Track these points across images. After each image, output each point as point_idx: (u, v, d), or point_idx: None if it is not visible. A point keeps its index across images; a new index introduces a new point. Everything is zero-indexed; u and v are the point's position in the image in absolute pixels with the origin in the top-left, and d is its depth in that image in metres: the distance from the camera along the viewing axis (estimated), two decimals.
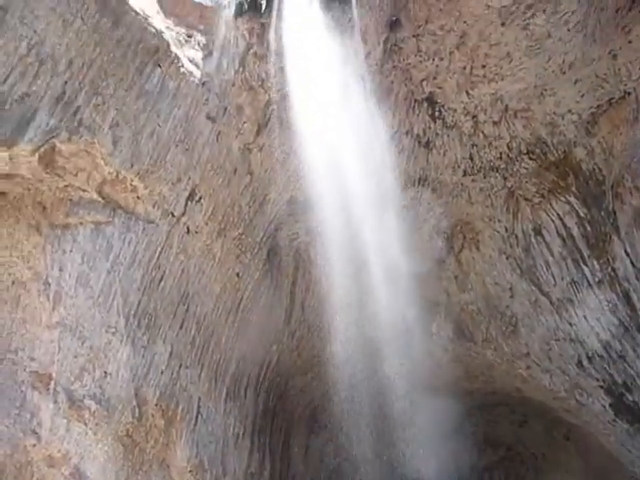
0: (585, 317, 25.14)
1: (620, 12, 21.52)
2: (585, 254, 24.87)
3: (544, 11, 21.33)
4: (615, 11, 21.48)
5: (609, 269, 24.33)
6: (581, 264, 25.02)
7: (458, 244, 27.73)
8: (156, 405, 19.72)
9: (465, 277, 28.16)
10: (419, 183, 26.32)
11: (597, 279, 24.67)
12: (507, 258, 27.02)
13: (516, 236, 26.53)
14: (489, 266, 27.50)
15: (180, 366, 21.27)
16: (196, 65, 20.85)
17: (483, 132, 25.37)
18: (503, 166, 25.85)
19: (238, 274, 23.96)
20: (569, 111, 23.83)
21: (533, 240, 26.14)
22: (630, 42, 21.92)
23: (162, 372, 20.27)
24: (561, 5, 21.06)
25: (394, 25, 23.29)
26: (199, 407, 21.99)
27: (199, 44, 21.41)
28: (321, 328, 26.83)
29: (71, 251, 17.94)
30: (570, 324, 25.66)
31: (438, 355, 28.87)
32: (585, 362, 25.54)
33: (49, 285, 17.54)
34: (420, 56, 23.70)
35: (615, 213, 23.94)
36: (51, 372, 16.98)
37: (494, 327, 28.05)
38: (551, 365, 26.88)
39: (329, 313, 25.64)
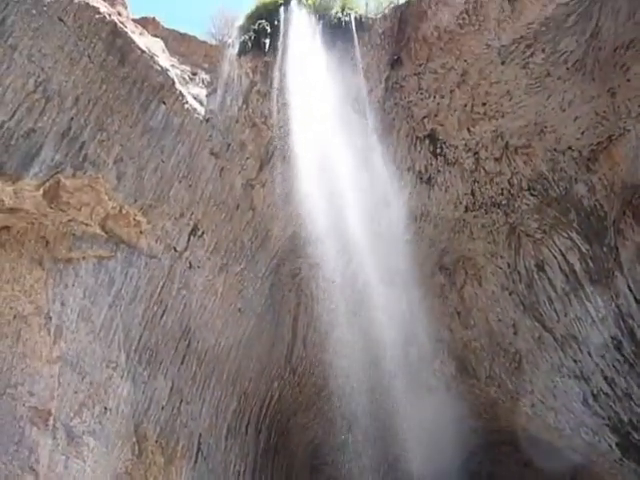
0: (590, 354, 24.86)
1: (618, 51, 21.83)
2: (588, 290, 24.73)
3: (543, 50, 21.67)
4: (613, 50, 21.79)
5: (613, 305, 24.16)
6: (584, 300, 24.85)
7: (460, 280, 27.64)
8: (156, 442, 19.39)
9: (468, 313, 27.98)
10: (421, 219, 26.36)
11: (601, 315, 24.46)
12: (510, 294, 26.88)
13: (518, 272, 26.45)
14: (492, 302, 27.35)
15: (181, 402, 20.99)
16: (200, 102, 21.14)
17: (484, 168, 25.51)
18: (505, 202, 25.92)
19: (240, 309, 23.81)
20: (569, 148, 24.00)
21: (536, 276, 26.04)
22: (629, 80, 22.18)
23: (163, 408, 19.99)
24: (560, 44, 21.39)
25: (396, 63, 23.66)
26: (200, 444, 21.63)
27: (203, 82, 21.75)
28: (323, 364, 26.56)
29: (73, 285, 17.86)
30: (575, 361, 25.37)
31: (441, 392, 28.49)
32: (590, 400, 25.16)
33: (50, 319, 17.40)
34: (421, 94, 24.00)
35: (617, 249, 23.89)
36: (50, 408, 16.72)
37: (498, 364, 27.75)
38: (556, 402, 26.47)
39: (331, 349, 25.41)
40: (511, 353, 27.26)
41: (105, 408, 17.80)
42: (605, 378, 24.54)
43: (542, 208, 25.26)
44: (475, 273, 27.41)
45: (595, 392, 24.98)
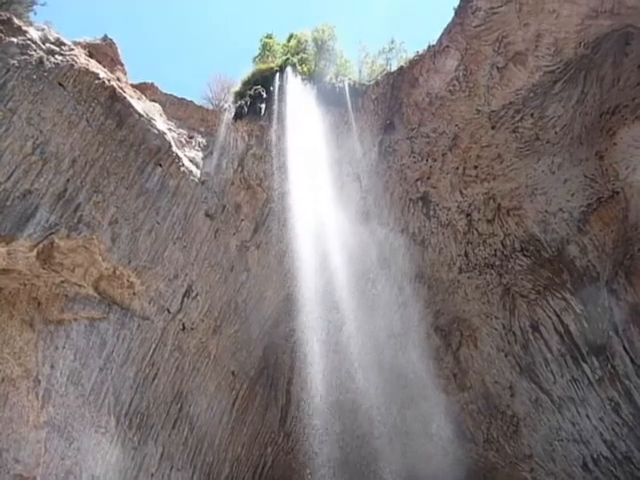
0: (588, 416, 24.28)
1: (604, 116, 22.32)
2: (584, 351, 24.37)
3: (532, 115, 22.13)
4: (599, 115, 22.28)
5: (609, 366, 23.76)
6: (580, 361, 24.46)
7: (456, 341, 27.26)
8: None
9: (464, 375, 27.48)
10: (415, 280, 26.22)
11: (597, 377, 24.02)
12: (506, 355, 26.48)
13: (514, 333, 26.12)
14: (488, 364, 26.89)
15: (171, 468, 20.26)
16: (196, 165, 21.34)
17: (477, 230, 25.58)
18: (498, 263, 25.85)
19: (233, 372, 23.34)
20: (560, 209, 24.14)
21: (531, 337, 25.70)
22: (615, 144, 22.57)
23: (152, 475, 19.27)
24: (548, 110, 21.86)
25: (388, 128, 24.08)
26: None
27: (200, 145, 22.01)
28: (317, 428, 25.77)
29: (64, 347, 17.48)
30: (573, 424, 24.75)
31: (439, 457, 27.64)
32: (590, 464, 24.40)
33: (39, 383, 16.94)
34: (414, 157, 24.31)
35: (612, 309, 23.69)
36: (36, 475, 16.08)
37: (495, 427, 27.04)
38: (555, 467, 25.66)
39: (325, 413, 24.73)
40: (508, 416, 26.61)
41: (92, 476, 17.16)
42: (605, 441, 23.87)
43: (535, 269, 25.17)
44: (470, 334, 27.06)
45: (595, 456, 24.25)
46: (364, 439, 25.48)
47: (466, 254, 26.11)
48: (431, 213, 25.55)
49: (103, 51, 19.29)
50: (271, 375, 25.56)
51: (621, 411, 23.43)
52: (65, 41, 17.34)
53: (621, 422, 23.46)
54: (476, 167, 24.15)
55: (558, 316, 24.97)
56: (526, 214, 24.77)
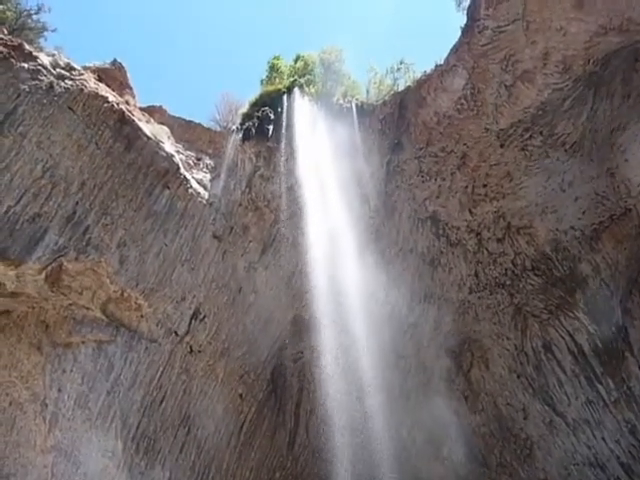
0: (604, 439, 24.12)
1: (614, 133, 22.47)
2: (598, 372, 24.27)
3: (541, 133, 22.32)
4: (610, 132, 22.44)
5: (625, 387, 23.64)
6: (595, 382, 24.35)
7: (467, 362, 27.25)
8: None
9: (475, 397, 27.41)
10: (425, 300, 26.31)
11: (613, 398, 23.90)
12: (518, 377, 26.41)
13: (526, 354, 26.08)
14: (500, 385, 26.83)
15: None
16: (204, 186, 21.68)
17: (487, 249, 25.69)
18: (509, 282, 25.90)
19: (241, 395, 23.45)
20: (571, 227, 24.21)
21: (544, 357, 25.65)
22: (626, 160, 22.66)
23: None
24: (557, 127, 22.07)
25: (396, 147, 24.34)
26: None
27: (207, 166, 22.36)
28: (326, 452, 25.71)
29: (71, 371, 17.70)
30: (588, 447, 24.58)
31: None
32: None
33: (46, 406, 17.14)
34: (422, 176, 24.54)
35: (626, 329, 23.62)
36: None
37: (508, 451, 26.89)
38: None
39: (334, 436, 24.68)
40: (522, 439, 26.47)
41: None
42: (621, 465, 23.69)
43: (547, 288, 25.20)
44: (482, 355, 27.05)
45: None
46: (374, 463, 25.37)
47: (476, 274, 26.20)
48: (440, 232, 25.71)
49: (112, 75, 19.76)
50: (279, 398, 25.60)
51: (638, 433, 23.30)
52: (75, 66, 17.85)
53: (638, 445, 23.32)
54: (485, 186, 24.32)
55: (571, 336, 24.93)
56: (537, 232, 24.86)
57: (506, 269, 25.82)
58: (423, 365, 25.07)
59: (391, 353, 23.73)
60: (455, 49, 21.81)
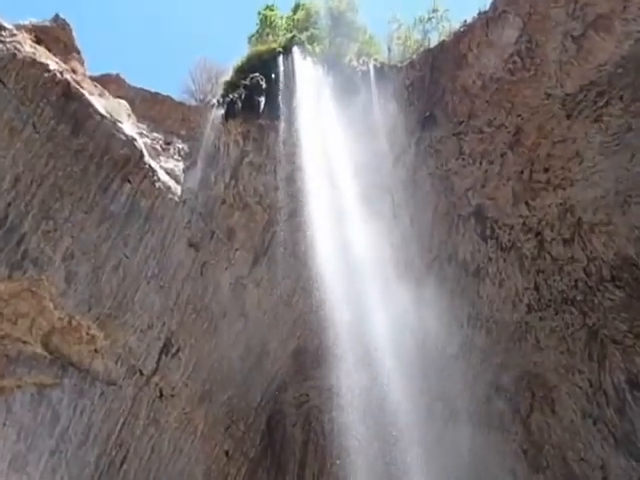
0: None
1: None
2: None
3: (621, 98, 22.20)
4: None
5: None
6: None
7: (526, 405, 27.31)
8: None
9: (538, 451, 27.45)
10: (469, 324, 26.38)
11: None
12: (594, 423, 26.43)
13: (605, 392, 26.11)
14: (570, 435, 26.86)
15: None
16: (175, 179, 21.77)
17: (550, 254, 25.73)
18: (580, 298, 25.94)
19: (227, 452, 23.58)
20: None
21: (628, 396, 25.66)
22: None
23: None
24: None
25: (428, 122, 24.35)
26: None
27: (180, 153, 22.46)
28: None
29: (4, 424, 17.77)
30: None
31: None
32: None
33: None
34: (463, 160, 24.59)
35: None
36: None
37: None
38: None
39: None
40: None
41: None
42: None
43: (632, 304, 25.20)
44: (545, 395, 27.09)
45: None
46: None
47: (536, 287, 26.26)
48: (488, 233, 25.79)
49: (54, 35, 19.80)
50: (277, 455, 25.74)
51: None
52: (5, 25, 17.87)
53: None
54: (547, 170, 24.34)
55: None
56: (617, 231, 24.87)
57: (576, 280, 25.87)
58: (467, 410, 25.06)
59: (424, 395, 23.75)
60: None
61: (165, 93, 24.04)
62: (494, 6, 22.29)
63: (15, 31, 18.13)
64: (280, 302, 23.75)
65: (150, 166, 20.80)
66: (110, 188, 19.78)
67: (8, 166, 17.33)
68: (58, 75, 18.48)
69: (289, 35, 26.16)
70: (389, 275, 22.63)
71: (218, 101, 24.04)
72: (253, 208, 23.01)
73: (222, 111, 23.39)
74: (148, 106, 22.72)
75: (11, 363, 18.25)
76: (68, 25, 20.67)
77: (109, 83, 21.89)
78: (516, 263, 26.10)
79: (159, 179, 21.05)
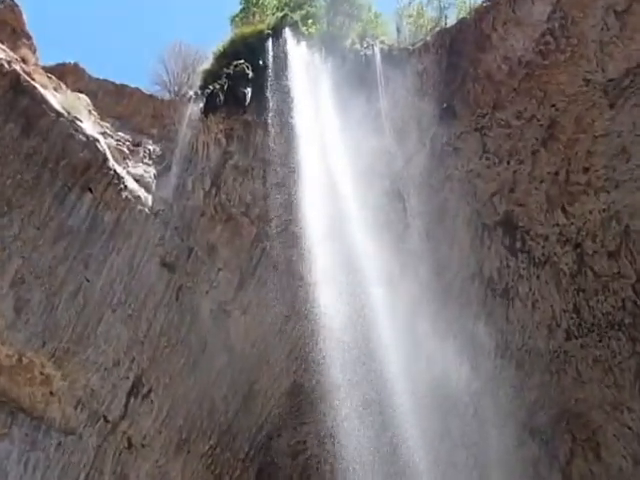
0: None
1: None
2: None
3: None
4: None
5: None
6: None
7: (565, 450, 27.29)
8: None
9: None
10: (496, 355, 26.36)
11: None
12: None
13: None
14: None
15: None
16: (145, 187, 21.75)
17: (593, 269, 25.76)
18: (629, 321, 25.96)
19: None
20: None
21: None
22: None
23: None
24: None
25: (446, 115, 24.37)
26: None
27: (151, 155, 22.46)
28: None
29: None
30: None
31: None
32: None
33: None
34: (487, 159, 24.64)
35: None
36: None
37: None
38: None
39: None
40: None
41: None
42: None
43: None
44: (588, 438, 27.08)
45: None
46: None
47: (576, 309, 26.29)
48: (518, 246, 25.85)
49: (1, 18, 19.82)
50: None
51: None
52: None
53: None
54: (587, 170, 24.38)
55: None
56: None
57: (623, 300, 25.91)
58: (495, 458, 25.03)
59: (446, 439, 23.78)
60: None
61: (133, 85, 24.22)
62: None
63: None
64: (271, 331, 23.78)
65: (115, 172, 20.76)
66: (68, 199, 19.74)
67: None
68: (5, 65, 18.46)
69: (279, 14, 26.16)
70: (400, 297, 22.64)
71: (196, 93, 24.07)
72: (238, 220, 23.08)
73: (200, 105, 23.42)
74: (113, 100, 22.75)
75: None
76: (17, 6, 20.70)
77: (66, 74, 21.93)
78: (552, 281, 26.14)
79: (126, 187, 21.02)
